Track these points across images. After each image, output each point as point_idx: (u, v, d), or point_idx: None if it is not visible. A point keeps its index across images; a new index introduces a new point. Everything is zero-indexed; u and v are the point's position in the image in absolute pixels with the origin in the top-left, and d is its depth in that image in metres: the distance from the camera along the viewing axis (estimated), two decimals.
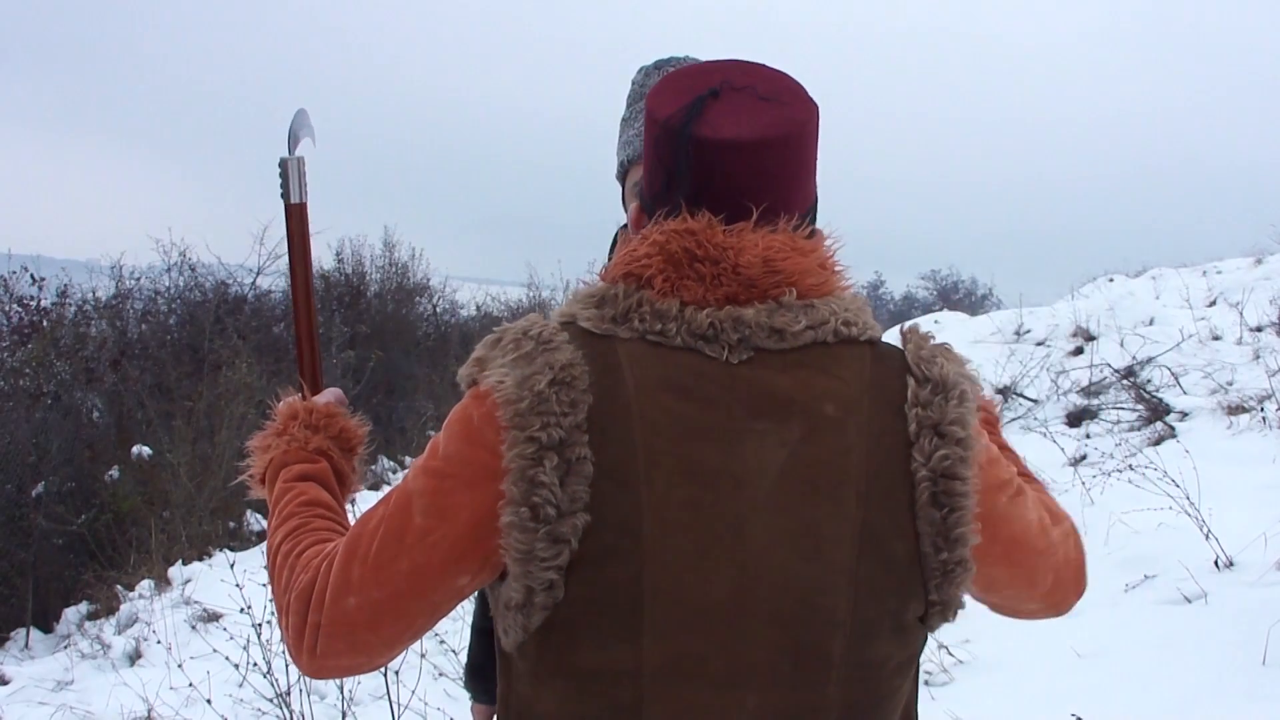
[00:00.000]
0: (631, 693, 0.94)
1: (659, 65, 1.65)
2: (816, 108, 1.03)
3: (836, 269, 1.03)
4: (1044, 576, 1.08)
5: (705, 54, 1.35)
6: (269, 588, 1.10)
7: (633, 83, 1.68)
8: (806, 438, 0.95)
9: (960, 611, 1.02)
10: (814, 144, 1.04)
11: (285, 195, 1.37)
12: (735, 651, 0.93)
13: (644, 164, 1.05)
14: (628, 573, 0.92)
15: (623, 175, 1.66)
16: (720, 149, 0.98)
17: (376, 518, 1.00)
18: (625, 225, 1.68)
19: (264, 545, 6.82)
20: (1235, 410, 5.74)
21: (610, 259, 1.59)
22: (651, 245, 0.99)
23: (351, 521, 1.09)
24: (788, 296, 0.97)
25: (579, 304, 1.01)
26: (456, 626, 4.66)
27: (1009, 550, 1.04)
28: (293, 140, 1.39)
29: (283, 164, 1.37)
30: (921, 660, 1.07)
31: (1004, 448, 1.19)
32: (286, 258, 1.44)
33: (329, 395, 1.29)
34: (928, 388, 0.98)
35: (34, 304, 10.85)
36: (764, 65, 1.06)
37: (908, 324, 1.06)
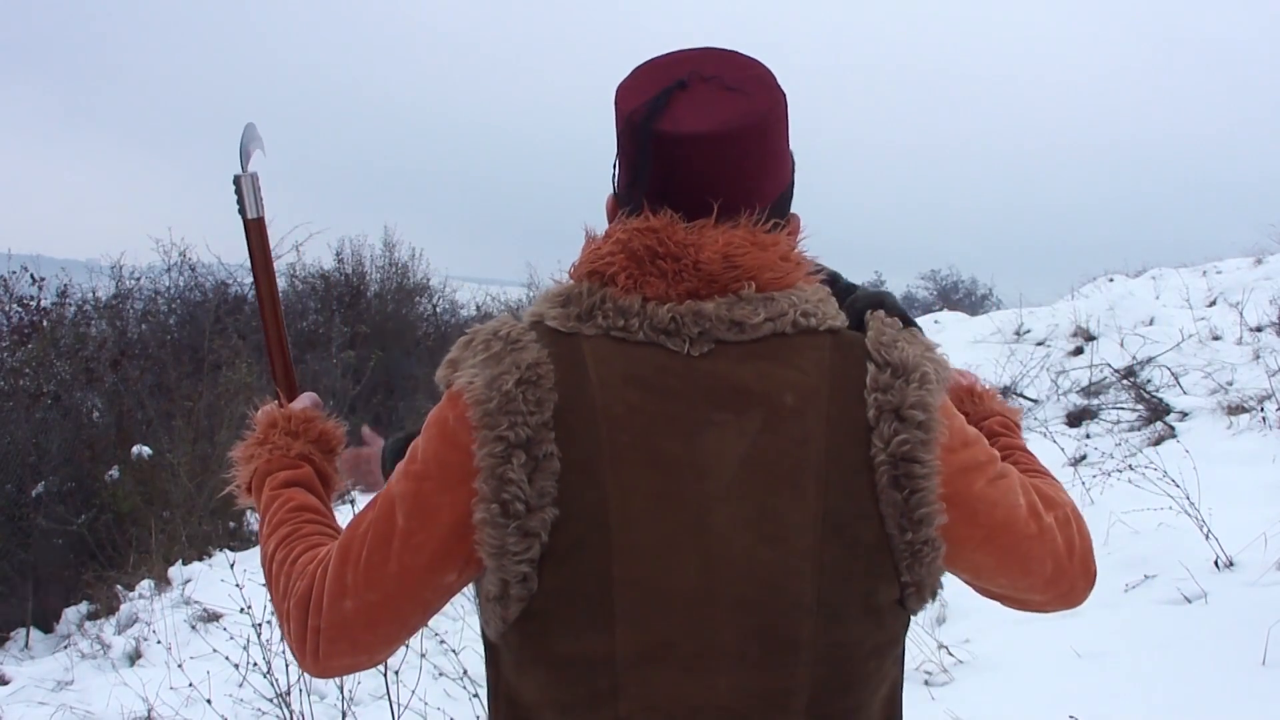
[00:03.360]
0: (607, 679, 0.96)
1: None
2: (783, 95, 1.04)
3: (799, 262, 1.03)
4: (1039, 564, 1.07)
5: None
6: (268, 591, 1.13)
7: None
8: (766, 427, 0.97)
9: (939, 593, 1.03)
10: (781, 132, 1.05)
11: (242, 211, 1.39)
12: (704, 637, 0.96)
13: (617, 157, 1.07)
14: (597, 564, 0.95)
15: None
16: (680, 143, 0.99)
17: (366, 522, 1.03)
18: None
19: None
20: (1235, 410, 5.75)
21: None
22: (615, 243, 1.01)
23: (343, 523, 1.12)
24: (747, 290, 0.99)
25: (546, 303, 1.03)
26: (457, 626, 4.66)
27: (991, 534, 1.03)
28: (244, 156, 1.41)
29: (236, 180, 1.39)
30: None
31: (1015, 448, 1.21)
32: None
33: (305, 400, 1.33)
34: (887, 372, 0.99)
35: (34, 304, 10.84)
36: (736, 53, 1.06)
37: (871, 311, 1.07)
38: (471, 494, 0.97)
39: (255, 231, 1.39)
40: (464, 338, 1.03)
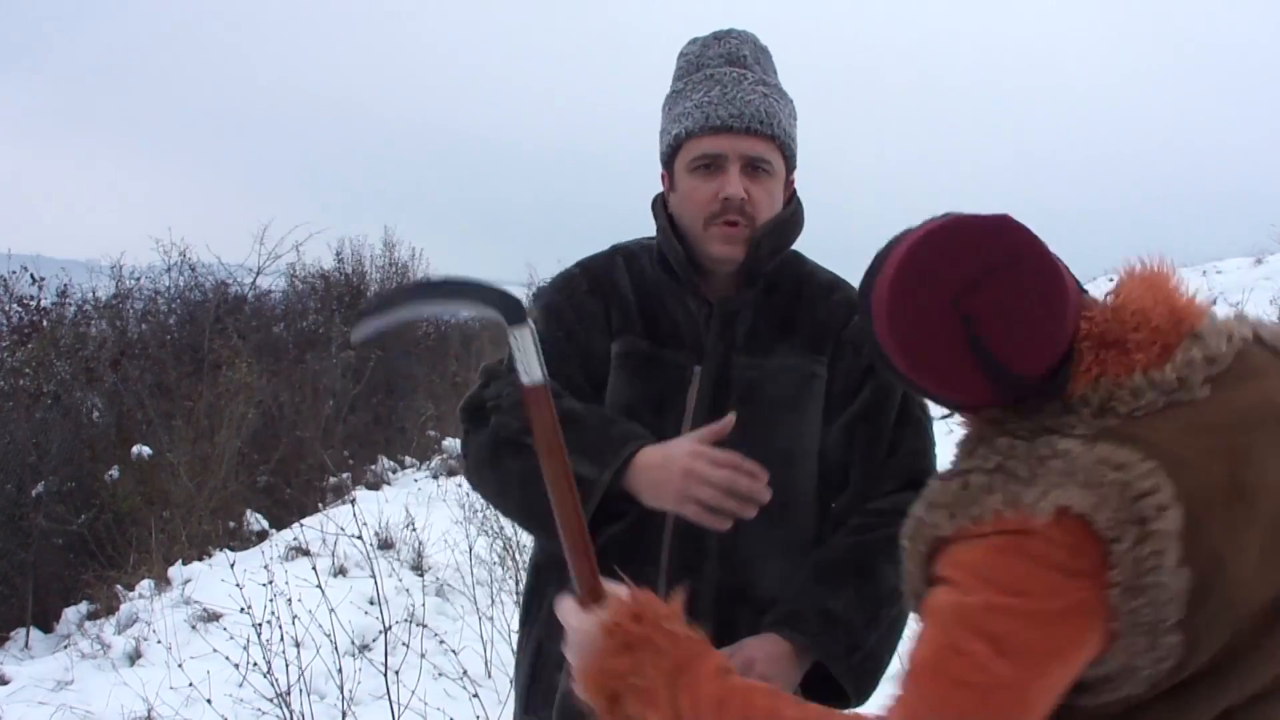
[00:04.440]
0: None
1: (717, 36, 1.62)
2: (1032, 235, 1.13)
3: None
4: None
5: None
6: None
7: (681, 55, 1.65)
8: None
9: None
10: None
11: (515, 373, 1.16)
12: None
13: None
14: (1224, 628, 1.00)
15: (673, 152, 1.60)
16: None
17: (975, 692, 0.95)
18: (660, 195, 1.65)
19: (264, 546, 6.82)
20: None
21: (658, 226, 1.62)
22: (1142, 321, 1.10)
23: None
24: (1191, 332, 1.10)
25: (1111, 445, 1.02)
26: (456, 626, 4.66)
27: None
28: (512, 303, 1.17)
29: (511, 335, 1.16)
30: None
31: None
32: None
33: (618, 589, 1.16)
34: None
35: (34, 304, 10.84)
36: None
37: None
38: (1100, 616, 0.97)
39: (535, 401, 1.15)
40: (1011, 460, 1.02)
